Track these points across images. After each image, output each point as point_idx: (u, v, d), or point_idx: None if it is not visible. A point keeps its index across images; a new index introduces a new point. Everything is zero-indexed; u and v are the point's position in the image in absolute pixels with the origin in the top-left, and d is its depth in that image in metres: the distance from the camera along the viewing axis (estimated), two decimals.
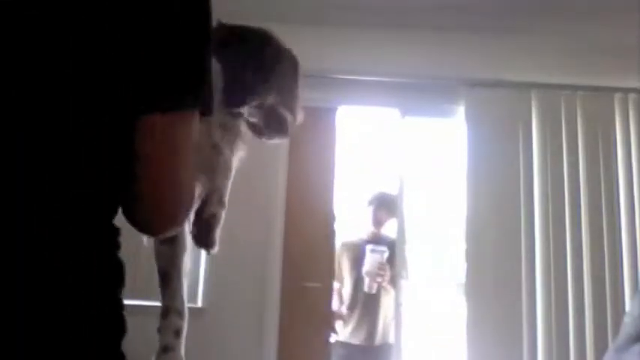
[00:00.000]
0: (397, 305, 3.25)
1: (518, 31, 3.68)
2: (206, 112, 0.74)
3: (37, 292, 0.62)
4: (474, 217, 3.41)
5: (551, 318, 3.32)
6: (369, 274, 3.26)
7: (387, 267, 3.26)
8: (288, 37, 4.16)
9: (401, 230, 3.52)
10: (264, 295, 3.36)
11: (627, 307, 3.27)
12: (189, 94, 0.72)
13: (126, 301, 2.71)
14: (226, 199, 1.28)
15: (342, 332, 3.25)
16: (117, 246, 0.74)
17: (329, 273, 3.38)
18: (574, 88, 3.57)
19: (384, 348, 3.24)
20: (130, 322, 2.87)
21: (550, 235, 3.41)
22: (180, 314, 1.16)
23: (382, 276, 3.24)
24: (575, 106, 3.57)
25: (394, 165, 3.74)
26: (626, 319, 1.35)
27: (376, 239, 3.36)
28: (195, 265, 3.43)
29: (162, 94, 0.69)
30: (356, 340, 3.23)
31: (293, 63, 1.37)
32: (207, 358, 3.30)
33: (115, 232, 0.73)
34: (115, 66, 0.67)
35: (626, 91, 3.57)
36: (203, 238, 1.18)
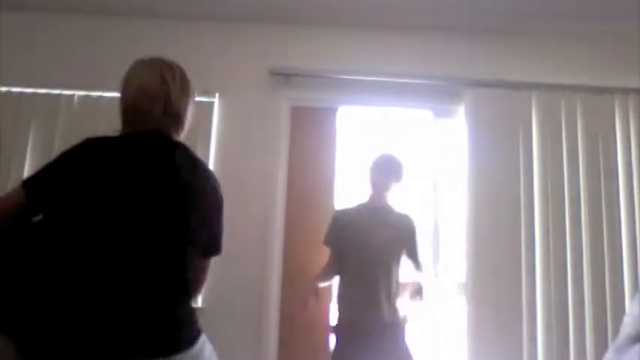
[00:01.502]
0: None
1: (518, 32, 3.68)
2: (218, 254, 1.72)
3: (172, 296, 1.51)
4: (474, 217, 3.42)
5: (551, 318, 3.32)
6: (401, 298, 2.81)
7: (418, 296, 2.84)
8: (288, 37, 4.19)
9: (436, 228, 3.57)
10: (264, 294, 3.36)
11: (627, 307, 3.27)
12: (217, 251, 1.72)
13: None
14: None
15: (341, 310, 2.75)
16: (190, 287, 1.59)
17: None
18: (574, 88, 3.57)
19: (388, 327, 2.71)
20: None
21: (550, 235, 3.41)
22: None
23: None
24: (575, 106, 3.58)
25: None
26: (626, 319, 1.35)
27: (377, 207, 2.86)
28: None
29: (209, 251, 1.68)
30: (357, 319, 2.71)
31: None
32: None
33: (189, 284, 1.57)
34: (193, 234, 1.54)
35: (626, 91, 3.57)
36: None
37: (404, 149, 3.76)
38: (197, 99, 3.60)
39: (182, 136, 1.58)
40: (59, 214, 1.34)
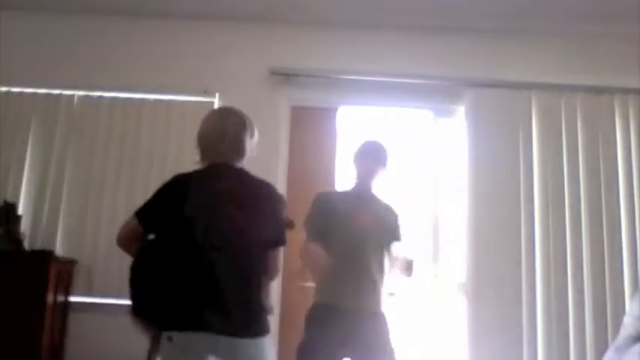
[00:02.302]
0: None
1: (518, 32, 3.68)
2: (284, 244, 2.05)
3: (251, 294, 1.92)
4: (474, 217, 3.42)
5: (551, 318, 3.32)
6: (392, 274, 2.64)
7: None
8: (288, 37, 4.19)
9: (436, 228, 3.57)
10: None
11: (627, 307, 3.27)
12: (283, 241, 2.04)
13: (126, 301, 2.71)
14: None
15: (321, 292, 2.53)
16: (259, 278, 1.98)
17: None
18: (574, 88, 3.57)
19: (372, 317, 2.52)
20: (130, 322, 2.84)
21: (550, 235, 3.41)
22: None
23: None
24: (575, 106, 3.58)
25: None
26: (626, 319, 1.35)
27: (362, 193, 2.70)
28: None
29: (276, 243, 2.02)
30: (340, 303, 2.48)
31: None
32: None
33: (261, 278, 1.97)
34: (264, 233, 1.96)
35: (626, 91, 3.57)
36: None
37: (404, 149, 3.76)
38: (197, 99, 3.64)
39: (242, 163, 2.08)
40: (165, 232, 1.91)
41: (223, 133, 2.03)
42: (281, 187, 3.52)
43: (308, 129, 3.64)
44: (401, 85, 3.60)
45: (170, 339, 1.77)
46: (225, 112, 2.16)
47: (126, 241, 1.94)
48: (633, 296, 3.34)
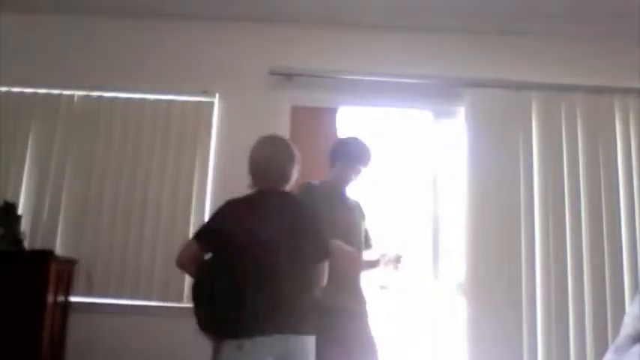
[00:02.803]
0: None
1: (518, 32, 3.68)
2: (326, 259, 2.28)
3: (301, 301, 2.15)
4: (474, 217, 3.42)
5: (551, 318, 3.32)
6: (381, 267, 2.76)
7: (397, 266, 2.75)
8: (288, 37, 4.19)
9: (436, 228, 3.57)
10: None
11: (627, 307, 3.27)
12: (326, 256, 2.26)
13: (126, 301, 2.74)
14: None
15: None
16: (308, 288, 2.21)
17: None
18: (574, 88, 3.57)
19: (359, 315, 2.62)
20: (130, 322, 2.90)
21: (550, 235, 3.41)
22: None
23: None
24: (575, 106, 3.58)
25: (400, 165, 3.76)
26: (626, 319, 1.35)
27: (341, 189, 2.74)
28: None
29: (319, 259, 2.24)
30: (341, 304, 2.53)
31: None
32: (207, 358, 3.30)
33: (309, 287, 2.21)
34: (306, 250, 2.19)
35: (626, 91, 3.57)
36: None
37: (404, 149, 3.77)
38: (197, 99, 3.65)
39: (287, 188, 2.32)
40: (222, 251, 2.14)
41: (275, 164, 2.28)
42: None
43: (308, 129, 3.64)
44: (401, 86, 3.60)
45: (240, 347, 1.99)
46: (276, 143, 2.36)
47: (186, 263, 2.18)
48: (633, 296, 3.35)
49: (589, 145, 3.52)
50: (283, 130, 3.60)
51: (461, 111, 3.61)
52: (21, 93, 3.61)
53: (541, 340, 3.31)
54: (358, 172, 2.74)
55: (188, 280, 3.41)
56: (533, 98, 3.57)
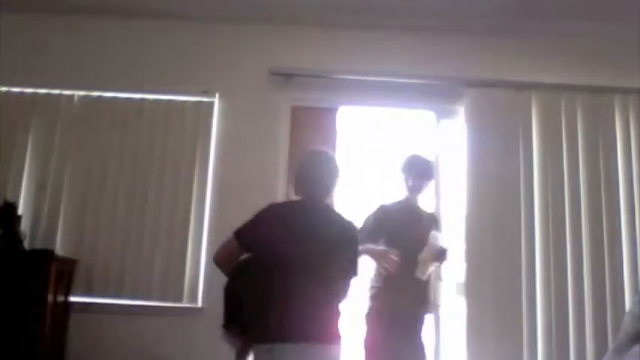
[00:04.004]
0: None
1: (518, 32, 3.68)
2: (356, 275, 2.33)
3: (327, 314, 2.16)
4: (474, 217, 3.42)
5: (551, 318, 3.32)
6: (424, 261, 2.93)
7: (445, 255, 3.01)
8: (288, 37, 4.19)
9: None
10: None
11: (627, 307, 3.27)
12: (355, 274, 2.31)
13: (126, 301, 2.74)
14: None
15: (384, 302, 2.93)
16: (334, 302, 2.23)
17: None
18: (574, 88, 3.57)
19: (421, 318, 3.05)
20: (130, 321, 2.90)
21: (550, 235, 3.41)
22: None
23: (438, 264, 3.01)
24: (575, 106, 3.58)
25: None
26: (626, 319, 1.35)
27: (413, 205, 3.12)
28: (196, 265, 3.43)
29: (349, 275, 2.29)
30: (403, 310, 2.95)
31: None
32: (207, 358, 3.30)
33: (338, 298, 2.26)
34: (340, 264, 2.23)
35: (626, 91, 3.57)
36: None
37: (406, 149, 3.76)
38: (197, 99, 3.65)
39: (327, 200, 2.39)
40: (259, 252, 2.17)
41: (320, 177, 2.33)
42: (281, 187, 3.52)
43: (308, 129, 3.64)
44: (400, 86, 3.60)
45: (271, 351, 2.02)
46: (323, 159, 2.40)
47: (224, 261, 2.20)
48: (633, 296, 3.35)
49: (589, 144, 3.52)
50: (283, 129, 3.61)
51: (461, 110, 3.61)
52: (21, 93, 3.61)
53: (541, 340, 3.31)
54: (423, 187, 3.12)
55: (188, 280, 3.41)
56: (533, 98, 3.57)
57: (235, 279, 2.20)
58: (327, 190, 2.36)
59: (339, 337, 2.19)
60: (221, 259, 2.20)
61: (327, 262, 2.19)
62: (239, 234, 2.19)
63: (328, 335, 2.14)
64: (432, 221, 3.17)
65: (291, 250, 2.12)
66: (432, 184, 3.20)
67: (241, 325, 2.14)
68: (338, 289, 2.25)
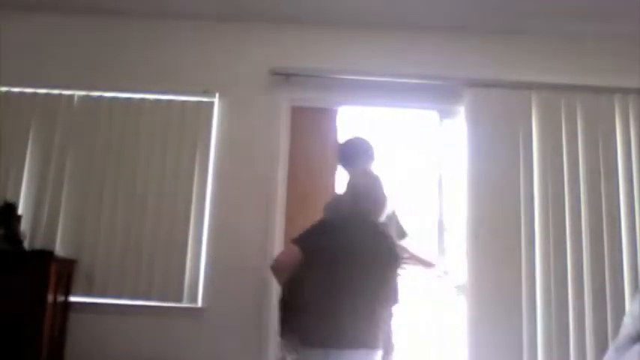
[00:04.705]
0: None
1: (518, 32, 3.68)
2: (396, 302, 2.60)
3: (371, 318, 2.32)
4: (474, 217, 3.42)
5: (551, 318, 3.32)
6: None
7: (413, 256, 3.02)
8: (288, 37, 4.19)
9: (440, 229, 3.57)
10: (264, 295, 3.36)
11: (627, 307, 3.27)
12: (396, 302, 2.57)
13: (126, 301, 2.74)
14: None
15: None
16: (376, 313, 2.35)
17: None
18: (574, 88, 3.57)
19: None
20: (130, 321, 2.91)
21: (550, 235, 3.41)
22: None
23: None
24: (575, 106, 3.58)
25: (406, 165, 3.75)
26: (626, 319, 1.35)
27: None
28: (196, 265, 3.43)
29: (390, 302, 2.53)
30: None
31: None
32: (207, 358, 3.30)
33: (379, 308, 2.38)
34: (381, 287, 2.39)
35: (626, 91, 3.57)
36: None
37: (408, 149, 3.76)
38: (197, 99, 3.65)
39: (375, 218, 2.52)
40: (316, 263, 2.30)
41: (372, 197, 2.48)
42: (281, 187, 3.52)
43: (308, 129, 3.64)
44: (400, 85, 3.60)
45: (327, 356, 2.17)
46: (375, 181, 2.56)
47: (282, 269, 2.36)
48: (633, 296, 3.35)
49: (589, 144, 3.52)
50: (283, 129, 3.61)
51: (461, 110, 3.61)
52: (21, 93, 3.61)
53: (541, 340, 3.31)
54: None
55: (188, 280, 3.41)
56: (533, 98, 3.57)
57: (291, 290, 2.35)
58: (374, 210, 2.48)
59: (377, 343, 2.32)
60: (279, 267, 2.35)
61: (374, 275, 2.35)
62: (300, 243, 2.35)
63: (376, 341, 2.29)
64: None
65: (344, 261, 2.28)
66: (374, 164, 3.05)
67: (298, 332, 2.25)
68: (383, 297, 2.39)
